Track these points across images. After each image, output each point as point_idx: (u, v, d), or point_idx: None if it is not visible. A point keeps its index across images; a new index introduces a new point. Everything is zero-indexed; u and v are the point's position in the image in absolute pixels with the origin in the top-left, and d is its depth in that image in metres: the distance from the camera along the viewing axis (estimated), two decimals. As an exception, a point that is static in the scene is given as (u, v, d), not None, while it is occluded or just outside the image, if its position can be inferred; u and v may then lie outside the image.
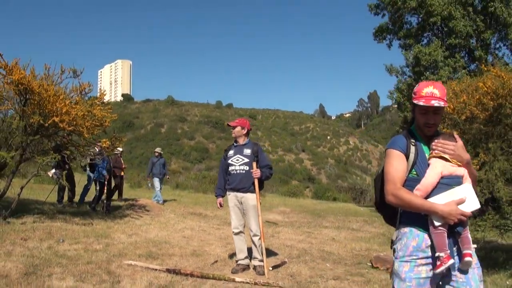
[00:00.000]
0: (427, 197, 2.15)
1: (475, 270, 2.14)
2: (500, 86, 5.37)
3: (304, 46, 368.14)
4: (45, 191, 10.58)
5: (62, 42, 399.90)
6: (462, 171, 2.20)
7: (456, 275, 2.12)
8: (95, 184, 9.68)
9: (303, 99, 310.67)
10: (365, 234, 9.31)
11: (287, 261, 5.87)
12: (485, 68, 6.15)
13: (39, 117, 6.97)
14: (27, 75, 6.92)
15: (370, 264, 5.87)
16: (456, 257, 2.14)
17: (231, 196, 5.35)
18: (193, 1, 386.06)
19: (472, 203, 2.12)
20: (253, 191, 5.23)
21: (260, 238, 5.23)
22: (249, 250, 5.44)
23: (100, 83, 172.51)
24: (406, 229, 2.21)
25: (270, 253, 6.36)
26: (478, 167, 5.44)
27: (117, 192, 11.89)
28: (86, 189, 10.27)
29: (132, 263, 5.22)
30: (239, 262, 5.35)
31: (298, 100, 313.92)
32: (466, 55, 16.17)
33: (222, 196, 5.52)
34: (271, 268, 5.36)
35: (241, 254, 5.36)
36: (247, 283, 4.66)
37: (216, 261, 5.74)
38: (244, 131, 5.44)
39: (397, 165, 2.22)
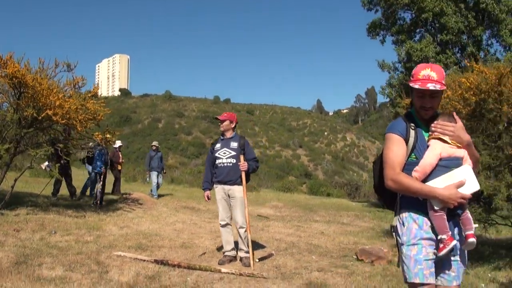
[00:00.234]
0: (425, 179, 2.13)
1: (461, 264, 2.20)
2: (483, 81, 5.46)
3: (302, 41, 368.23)
4: (40, 184, 10.65)
5: (60, 36, 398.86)
6: (462, 153, 2.18)
7: (450, 268, 2.16)
8: (96, 177, 9.76)
9: (301, 94, 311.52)
10: (355, 228, 9.38)
11: (274, 254, 5.96)
12: (468, 64, 6.24)
13: (33, 110, 7.07)
14: (21, 69, 7.01)
15: (356, 256, 5.93)
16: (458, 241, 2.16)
17: (219, 189, 5.45)
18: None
19: (471, 185, 2.10)
20: (240, 184, 5.34)
21: (246, 230, 5.34)
22: (236, 242, 5.55)
23: (98, 77, 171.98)
24: (406, 214, 2.20)
25: (258, 245, 6.47)
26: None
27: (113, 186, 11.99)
28: (90, 182, 10.46)
29: (121, 254, 5.33)
30: (226, 253, 5.46)
31: (296, 95, 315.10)
32: (459, 51, 16.26)
33: (210, 189, 5.62)
34: (257, 260, 5.48)
35: (228, 246, 5.47)
36: (232, 274, 4.77)
37: (204, 253, 5.85)
38: (232, 125, 5.57)
39: (396, 149, 2.19)
